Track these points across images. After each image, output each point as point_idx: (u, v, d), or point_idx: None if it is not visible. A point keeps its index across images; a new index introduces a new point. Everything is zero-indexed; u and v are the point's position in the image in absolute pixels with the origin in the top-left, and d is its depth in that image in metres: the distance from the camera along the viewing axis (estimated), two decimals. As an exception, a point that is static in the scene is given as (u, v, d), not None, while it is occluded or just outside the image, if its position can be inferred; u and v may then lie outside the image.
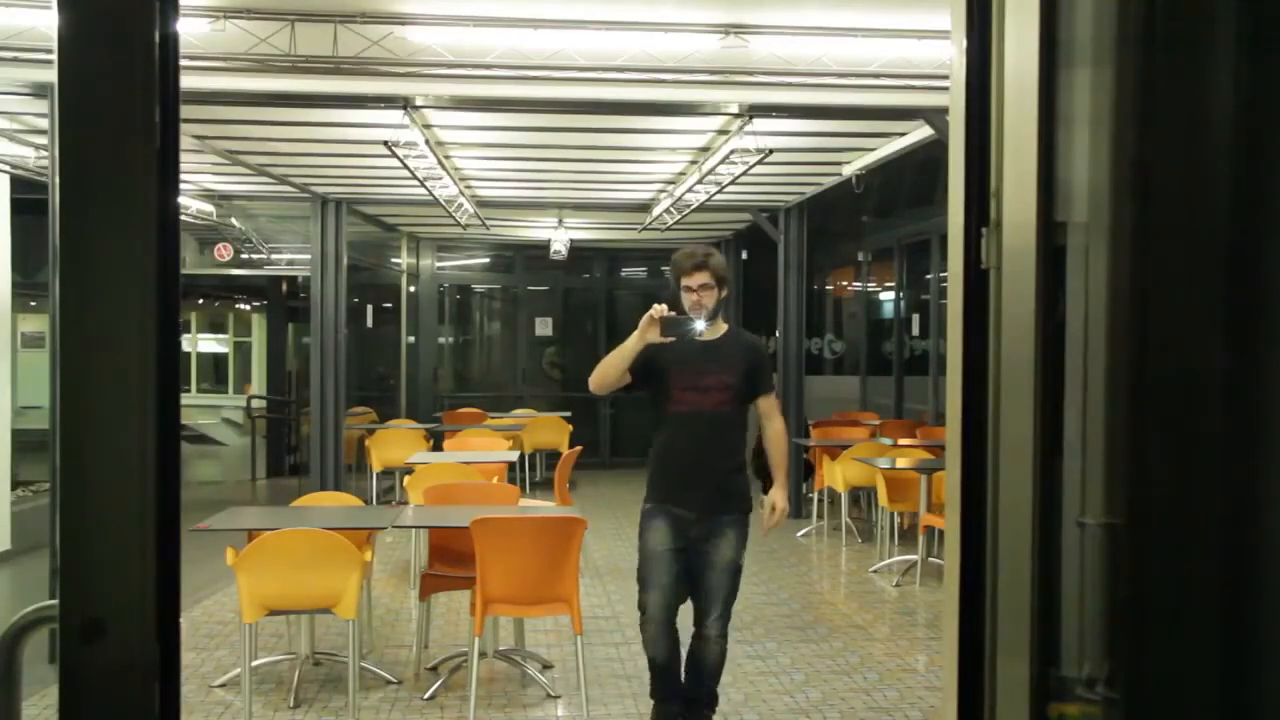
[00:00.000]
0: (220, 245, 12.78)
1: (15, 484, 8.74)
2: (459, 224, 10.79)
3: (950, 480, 1.41)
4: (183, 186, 8.50)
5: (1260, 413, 1.12)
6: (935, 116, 6.37)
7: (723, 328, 4.20)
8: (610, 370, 4.03)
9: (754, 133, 7.03)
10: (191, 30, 5.32)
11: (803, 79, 5.98)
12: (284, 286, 14.73)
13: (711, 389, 4.09)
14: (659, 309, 3.90)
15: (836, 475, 8.76)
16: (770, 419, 4.31)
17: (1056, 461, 1.25)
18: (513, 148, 8.36)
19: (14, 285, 8.82)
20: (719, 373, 4.10)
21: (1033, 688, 1.25)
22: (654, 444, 4.23)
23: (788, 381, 10.48)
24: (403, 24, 5.46)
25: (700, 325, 3.98)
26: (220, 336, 23.71)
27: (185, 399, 16.18)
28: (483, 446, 9.36)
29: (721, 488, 4.14)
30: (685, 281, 4.08)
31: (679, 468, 4.14)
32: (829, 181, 9.50)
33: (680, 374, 4.09)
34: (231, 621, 6.17)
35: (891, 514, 8.08)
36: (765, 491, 4.65)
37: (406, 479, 7.31)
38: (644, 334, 3.92)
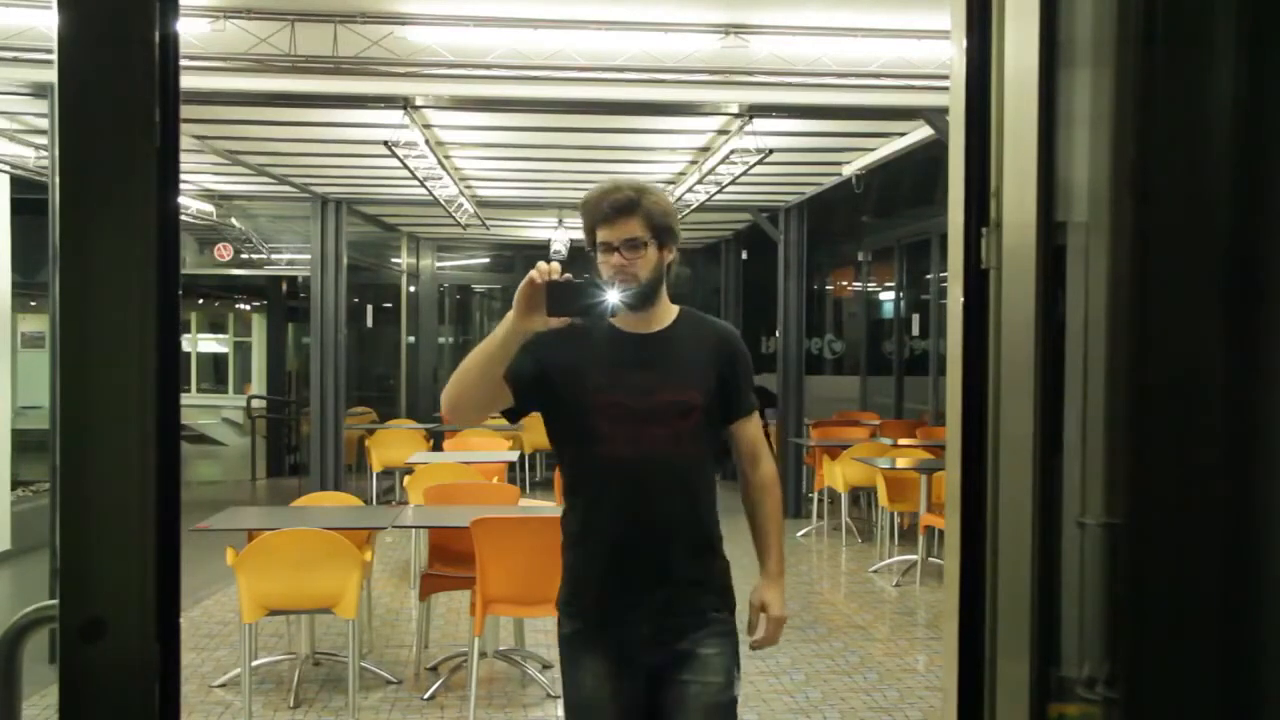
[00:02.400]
0: (220, 245, 12.78)
1: (15, 484, 8.74)
2: (459, 224, 10.79)
3: (950, 480, 1.41)
4: (183, 186, 8.49)
5: (1260, 413, 1.12)
6: (935, 116, 6.37)
7: (672, 311, 2.47)
8: (468, 380, 2.28)
9: (754, 133, 7.03)
10: (191, 30, 5.32)
11: (803, 79, 5.98)
12: (284, 286, 14.74)
13: (658, 414, 2.35)
14: (544, 267, 2.14)
15: (836, 475, 8.76)
16: (755, 458, 2.54)
17: (1056, 461, 1.25)
18: (513, 148, 8.35)
19: (14, 285, 8.82)
20: (670, 384, 2.38)
21: (1033, 688, 1.25)
22: (565, 516, 2.49)
23: (788, 382, 10.48)
24: (403, 24, 5.46)
25: (613, 298, 2.19)
26: (220, 336, 23.70)
27: (185, 399, 16.17)
28: (483, 446, 9.36)
29: (688, 581, 2.41)
30: (601, 235, 2.37)
31: (612, 558, 2.39)
32: (829, 181, 9.50)
33: (601, 390, 2.35)
34: (231, 621, 6.17)
35: (891, 514, 8.08)
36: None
37: (406, 479, 7.31)
38: (522, 313, 2.16)
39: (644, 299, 2.37)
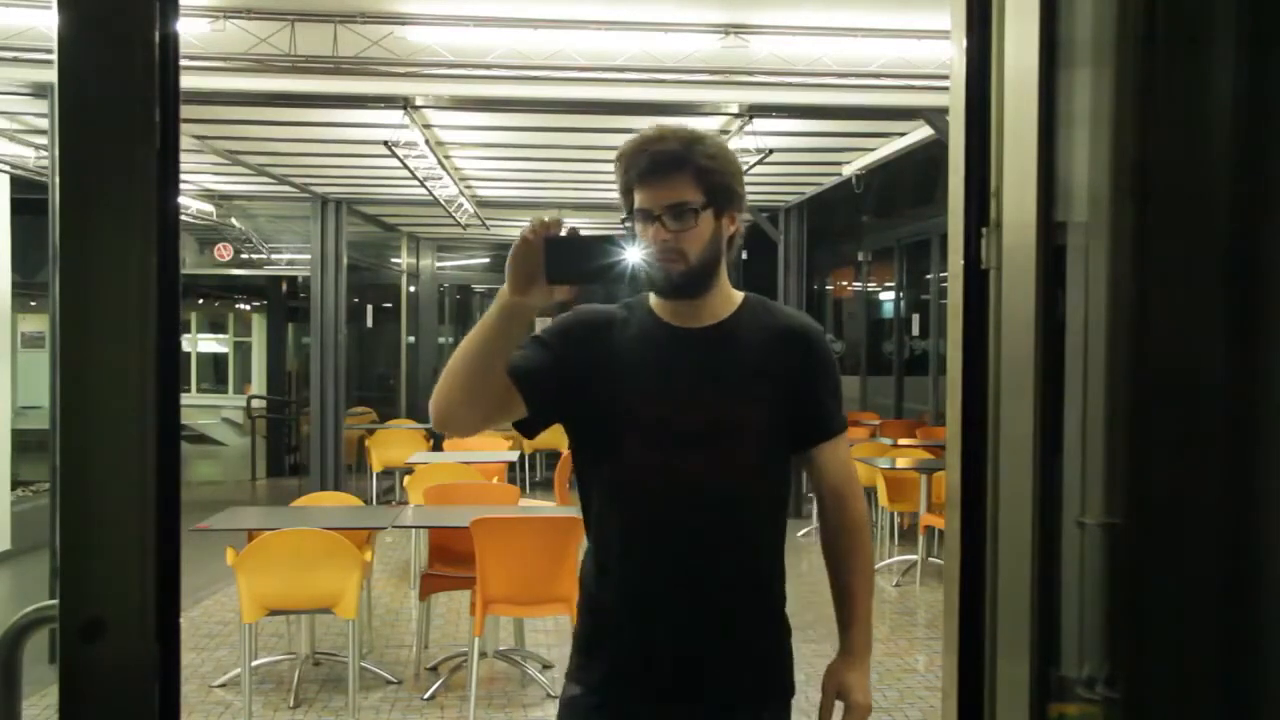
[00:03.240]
0: (220, 245, 12.78)
1: (15, 484, 8.74)
2: (459, 224, 10.79)
3: (950, 480, 1.41)
4: (183, 186, 8.50)
5: (1261, 412, 1.12)
6: (935, 116, 6.37)
7: (733, 299, 1.93)
8: (458, 378, 1.73)
9: (754, 133, 7.03)
10: (191, 30, 5.32)
11: (803, 79, 5.98)
12: (284, 286, 14.74)
13: (711, 435, 1.82)
14: (541, 221, 1.61)
15: (836, 475, 8.75)
16: (840, 495, 1.95)
17: (1056, 461, 1.25)
18: (513, 148, 8.35)
19: (14, 285, 8.83)
20: (728, 396, 1.85)
21: (1033, 688, 1.25)
22: (585, 561, 1.96)
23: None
24: (403, 24, 5.46)
25: (634, 258, 1.62)
26: (220, 336, 23.70)
27: (185, 399, 16.18)
28: (483, 446, 9.35)
29: (736, 651, 1.90)
30: (639, 199, 1.80)
31: (640, 610, 1.85)
32: (829, 181, 9.50)
33: (635, 401, 1.83)
34: (231, 621, 6.17)
35: (891, 514, 8.08)
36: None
37: (406, 479, 7.31)
38: (517, 282, 1.63)
39: (695, 283, 1.81)
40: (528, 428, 1.85)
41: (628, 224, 1.79)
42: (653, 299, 1.90)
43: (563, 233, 1.60)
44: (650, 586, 1.84)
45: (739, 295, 1.94)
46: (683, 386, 1.84)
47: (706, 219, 1.79)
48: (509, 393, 1.77)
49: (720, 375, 1.86)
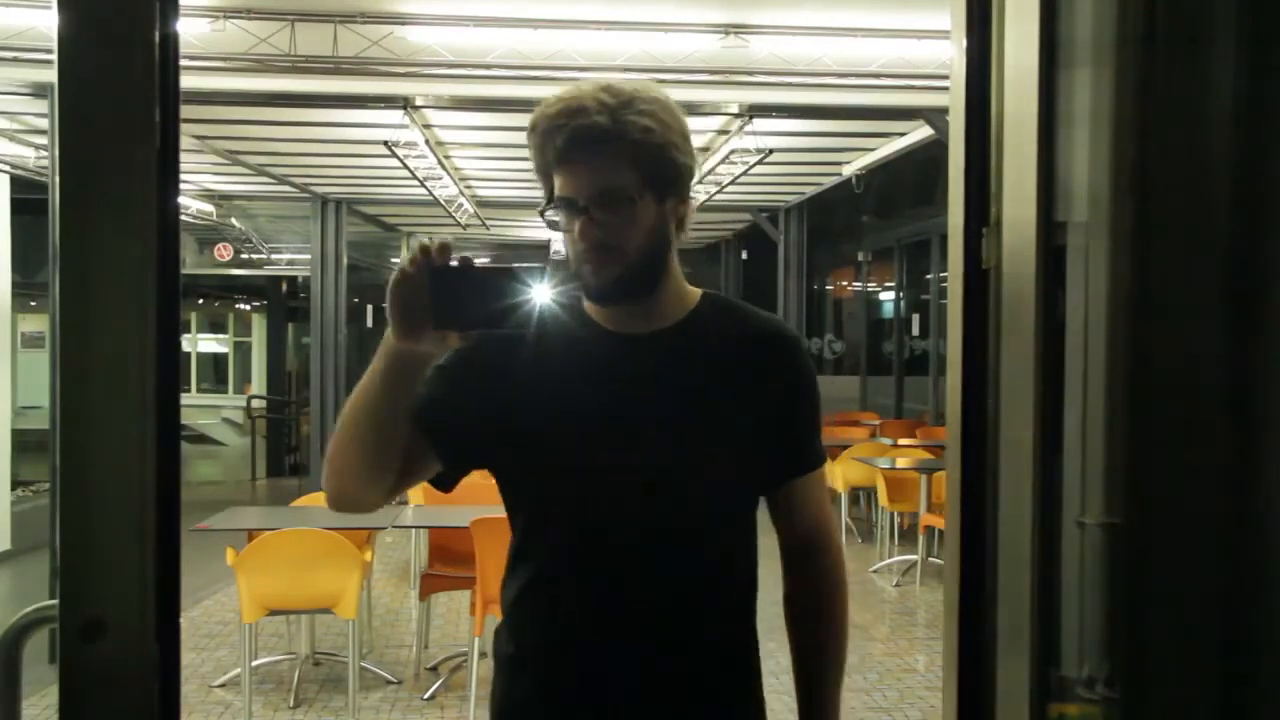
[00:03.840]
0: (220, 245, 12.79)
1: (15, 484, 8.74)
2: (459, 224, 10.79)
3: (950, 480, 1.41)
4: (183, 186, 8.49)
5: (1260, 412, 1.12)
6: (935, 116, 6.37)
7: (688, 298, 1.50)
8: (347, 453, 1.36)
9: (754, 133, 7.03)
10: (191, 30, 5.32)
11: (803, 79, 5.99)
12: (284, 286, 14.76)
13: (659, 469, 1.40)
14: (424, 246, 1.25)
15: (836, 475, 8.76)
16: (811, 540, 1.55)
17: (1056, 461, 1.25)
18: (513, 148, 8.35)
19: (14, 285, 8.83)
20: (680, 419, 1.42)
21: (1033, 688, 1.25)
22: (499, 628, 1.51)
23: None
24: (403, 24, 5.47)
25: (543, 298, 1.24)
26: (220, 336, 23.71)
27: (185, 399, 16.19)
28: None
29: None
30: (559, 185, 1.40)
31: (572, 689, 1.42)
32: (829, 181, 9.50)
33: (564, 429, 1.42)
34: (231, 621, 6.17)
35: (891, 514, 8.08)
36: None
37: (406, 479, 7.30)
38: (400, 326, 1.26)
39: (636, 284, 1.38)
40: (445, 482, 1.45)
41: (549, 214, 1.40)
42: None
43: (453, 261, 1.22)
44: (576, 665, 1.40)
45: (695, 293, 1.49)
46: (625, 410, 1.40)
47: (646, 205, 1.37)
48: (418, 450, 1.37)
49: (674, 394, 1.41)
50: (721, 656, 1.46)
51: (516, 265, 1.24)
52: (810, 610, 1.54)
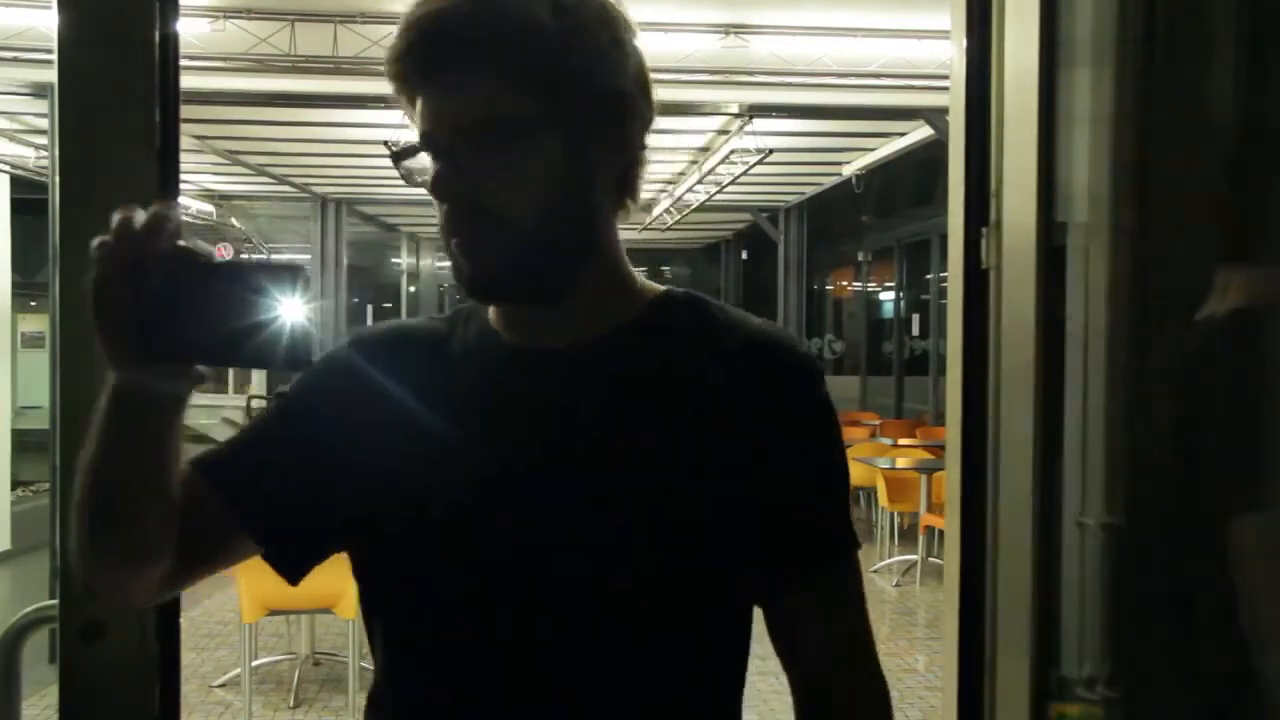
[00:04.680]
0: (220, 245, 12.79)
1: (15, 484, 8.74)
2: (459, 224, 10.80)
3: (950, 480, 1.41)
4: (183, 186, 8.50)
5: (1260, 412, 1.12)
6: (935, 116, 6.37)
7: (637, 295, 0.92)
8: (83, 513, 0.82)
9: (754, 133, 7.04)
10: (191, 30, 5.32)
11: (803, 79, 5.99)
12: (284, 286, 14.75)
13: (586, 558, 0.84)
14: (125, 224, 0.75)
15: (836, 475, 8.76)
16: (837, 683, 0.93)
17: (1056, 461, 1.25)
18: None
19: (14, 285, 8.83)
20: (602, 485, 0.85)
21: (1033, 688, 1.25)
22: None
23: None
24: (403, 24, 5.47)
25: (295, 317, 0.73)
26: (220, 336, 23.66)
27: (185, 399, 16.06)
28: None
29: None
30: (421, 119, 0.85)
31: None
32: (829, 181, 9.51)
33: (447, 495, 0.86)
34: (231, 621, 6.17)
35: (891, 514, 8.08)
36: None
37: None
38: (113, 351, 0.78)
39: (529, 270, 0.87)
40: (291, 569, 0.94)
41: (404, 164, 0.90)
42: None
43: (168, 248, 0.77)
44: None
45: (650, 291, 0.94)
46: (518, 466, 0.87)
47: (547, 145, 0.85)
48: (214, 522, 0.90)
49: (596, 443, 0.87)
50: None
51: (268, 261, 0.83)
52: None
